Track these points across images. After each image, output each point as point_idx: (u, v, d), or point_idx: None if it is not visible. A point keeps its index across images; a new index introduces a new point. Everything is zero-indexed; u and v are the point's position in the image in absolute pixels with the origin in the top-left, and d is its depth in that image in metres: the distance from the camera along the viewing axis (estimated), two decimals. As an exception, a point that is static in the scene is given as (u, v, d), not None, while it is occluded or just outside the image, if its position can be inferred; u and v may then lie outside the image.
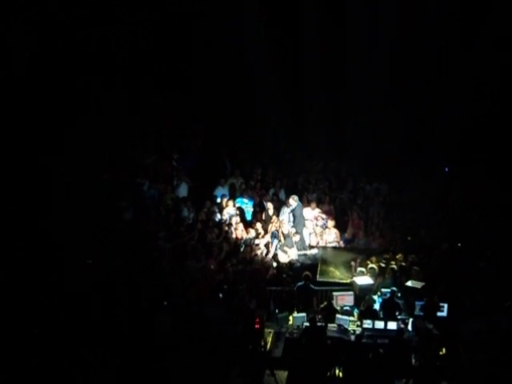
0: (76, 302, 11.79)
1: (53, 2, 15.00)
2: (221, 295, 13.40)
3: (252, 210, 17.57)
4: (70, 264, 12.87)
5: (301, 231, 16.38)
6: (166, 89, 18.69)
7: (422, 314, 13.05)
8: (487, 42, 18.33)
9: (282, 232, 16.33)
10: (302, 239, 16.29)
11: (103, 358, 10.69)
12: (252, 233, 16.38)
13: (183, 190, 17.70)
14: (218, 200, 17.46)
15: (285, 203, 17.16)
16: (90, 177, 15.08)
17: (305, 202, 17.30)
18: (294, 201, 16.43)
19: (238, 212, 17.10)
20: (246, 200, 17.75)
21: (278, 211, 17.16)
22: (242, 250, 15.65)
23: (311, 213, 17.23)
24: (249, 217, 17.39)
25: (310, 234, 16.94)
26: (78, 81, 15.40)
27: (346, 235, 17.01)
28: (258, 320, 12.27)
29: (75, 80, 15.35)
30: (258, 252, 15.65)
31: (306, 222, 16.75)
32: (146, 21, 17.65)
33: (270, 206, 17.30)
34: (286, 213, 16.99)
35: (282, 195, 18.17)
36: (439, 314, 13.01)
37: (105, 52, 16.18)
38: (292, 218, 16.60)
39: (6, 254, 12.36)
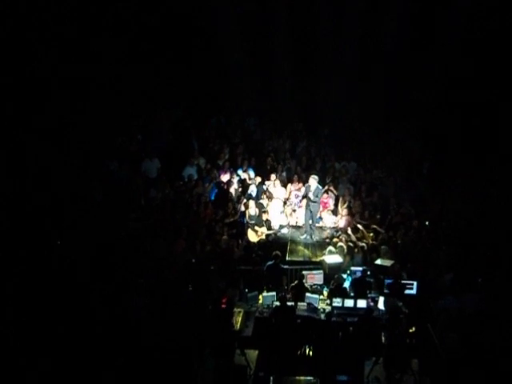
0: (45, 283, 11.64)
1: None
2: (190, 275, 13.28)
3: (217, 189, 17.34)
4: (39, 244, 12.72)
5: (315, 211, 16.09)
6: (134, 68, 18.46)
7: (388, 292, 13.10)
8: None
9: (249, 212, 16.24)
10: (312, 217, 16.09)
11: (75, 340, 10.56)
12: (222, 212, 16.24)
13: (153, 171, 17.46)
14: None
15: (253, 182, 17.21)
16: (59, 158, 14.87)
17: (273, 181, 17.37)
18: (313, 180, 15.88)
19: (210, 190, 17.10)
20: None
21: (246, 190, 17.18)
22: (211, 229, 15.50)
23: (281, 192, 17.23)
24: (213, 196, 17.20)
25: (280, 213, 16.90)
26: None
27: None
28: (224, 300, 12.19)
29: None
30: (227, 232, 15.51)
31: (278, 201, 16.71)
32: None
33: (238, 185, 17.21)
34: (253, 192, 17.00)
35: (251, 175, 18.04)
36: (409, 291, 13.05)
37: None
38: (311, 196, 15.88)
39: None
